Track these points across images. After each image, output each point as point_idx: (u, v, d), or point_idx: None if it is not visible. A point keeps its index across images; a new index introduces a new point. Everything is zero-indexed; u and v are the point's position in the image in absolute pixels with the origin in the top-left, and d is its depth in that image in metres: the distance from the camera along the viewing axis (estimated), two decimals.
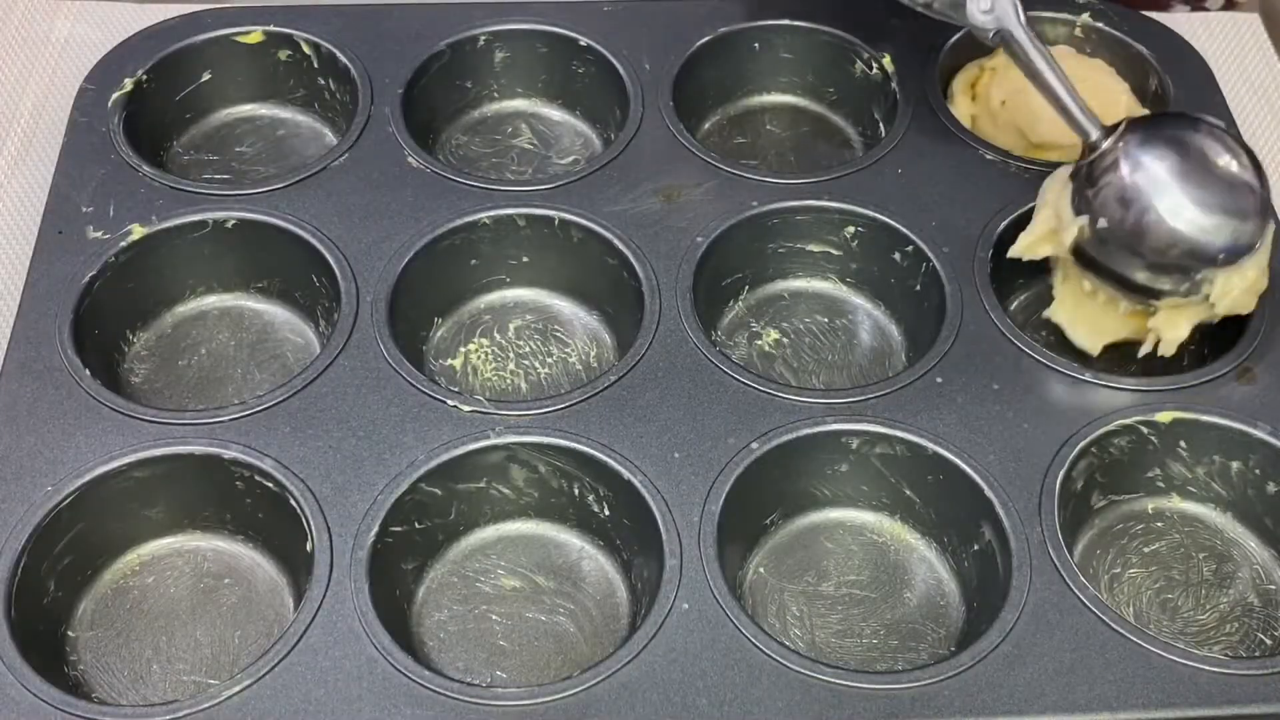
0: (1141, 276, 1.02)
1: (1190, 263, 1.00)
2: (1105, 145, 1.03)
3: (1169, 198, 1.00)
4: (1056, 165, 1.17)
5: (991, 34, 1.08)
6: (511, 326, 1.14)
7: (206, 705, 0.86)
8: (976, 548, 0.98)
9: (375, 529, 0.94)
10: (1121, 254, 1.02)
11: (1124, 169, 1.01)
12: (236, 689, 0.87)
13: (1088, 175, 1.03)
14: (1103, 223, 1.01)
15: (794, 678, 0.88)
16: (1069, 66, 1.21)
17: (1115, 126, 1.04)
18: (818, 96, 1.31)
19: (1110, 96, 1.21)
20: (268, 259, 1.13)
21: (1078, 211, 1.03)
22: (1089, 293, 1.06)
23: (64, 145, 1.16)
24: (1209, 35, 1.36)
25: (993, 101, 1.22)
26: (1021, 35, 1.07)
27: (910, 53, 1.26)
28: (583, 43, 1.26)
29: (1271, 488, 1.01)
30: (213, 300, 1.15)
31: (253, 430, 0.99)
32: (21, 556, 0.92)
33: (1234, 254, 1.00)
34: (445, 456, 0.98)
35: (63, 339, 1.03)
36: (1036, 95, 1.20)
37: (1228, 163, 1.01)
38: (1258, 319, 1.07)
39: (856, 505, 1.04)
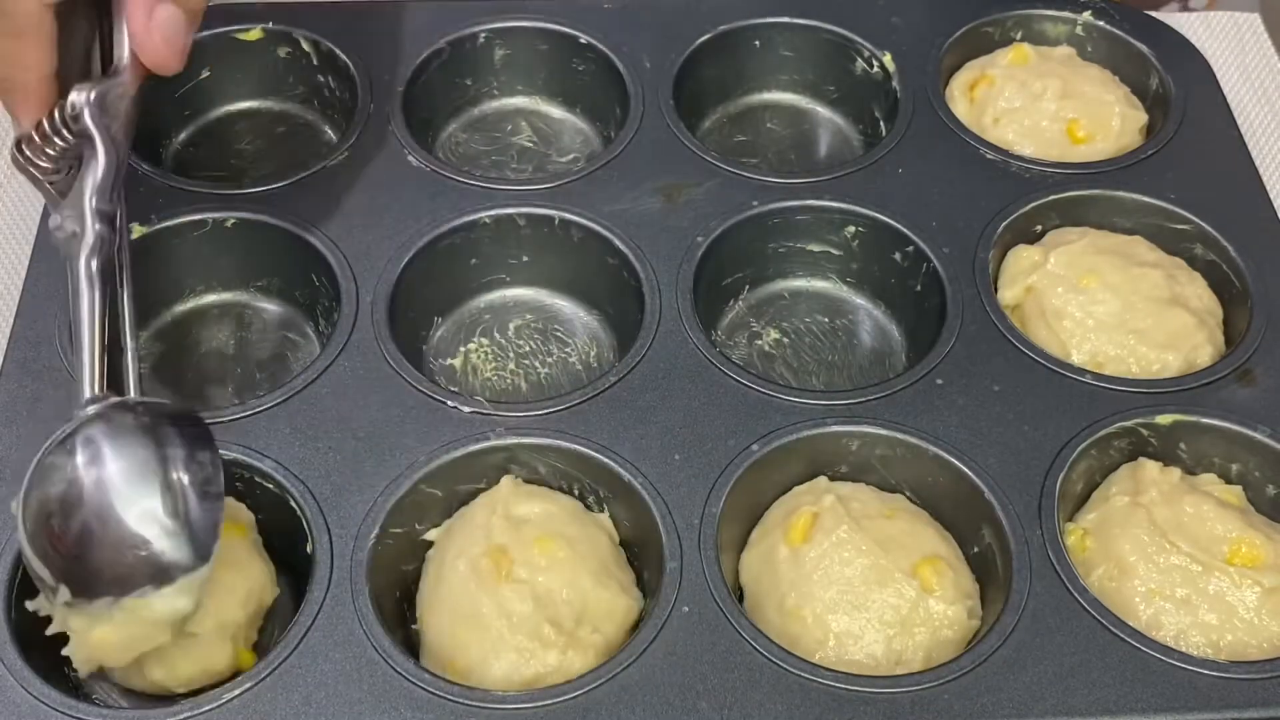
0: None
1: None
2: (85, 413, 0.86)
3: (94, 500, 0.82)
4: (1063, 166, 1.17)
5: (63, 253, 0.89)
6: (511, 326, 1.14)
7: (207, 708, 0.86)
8: (976, 550, 0.98)
9: (375, 530, 0.94)
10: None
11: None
12: (237, 691, 0.87)
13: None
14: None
15: (794, 681, 0.88)
16: (1065, 73, 1.22)
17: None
18: (818, 95, 1.31)
19: (1103, 109, 1.21)
20: (267, 258, 1.13)
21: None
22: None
23: None
24: (1209, 35, 1.36)
25: (985, 117, 1.22)
26: (81, 271, 0.87)
27: (911, 51, 1.26)
28: (583, 40, 1.26)
29: (1270, 490, 1.01)
30: (212, 299, 1.15)
31: (253, 431, 0.99)
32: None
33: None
34: (446, 458, 0.98)
35: (62, 339, 1.03)
36: (1031, 115, 1.19)
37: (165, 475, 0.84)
38: (1258, 321, 1.07)
39: None
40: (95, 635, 0.83)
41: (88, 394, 0.86)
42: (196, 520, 0.84)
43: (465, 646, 0.91)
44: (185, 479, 0.84)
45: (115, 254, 0.90)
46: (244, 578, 0.93)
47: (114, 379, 0.89)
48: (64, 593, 0.81)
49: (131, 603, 0.82)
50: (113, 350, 0.90)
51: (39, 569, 0.83)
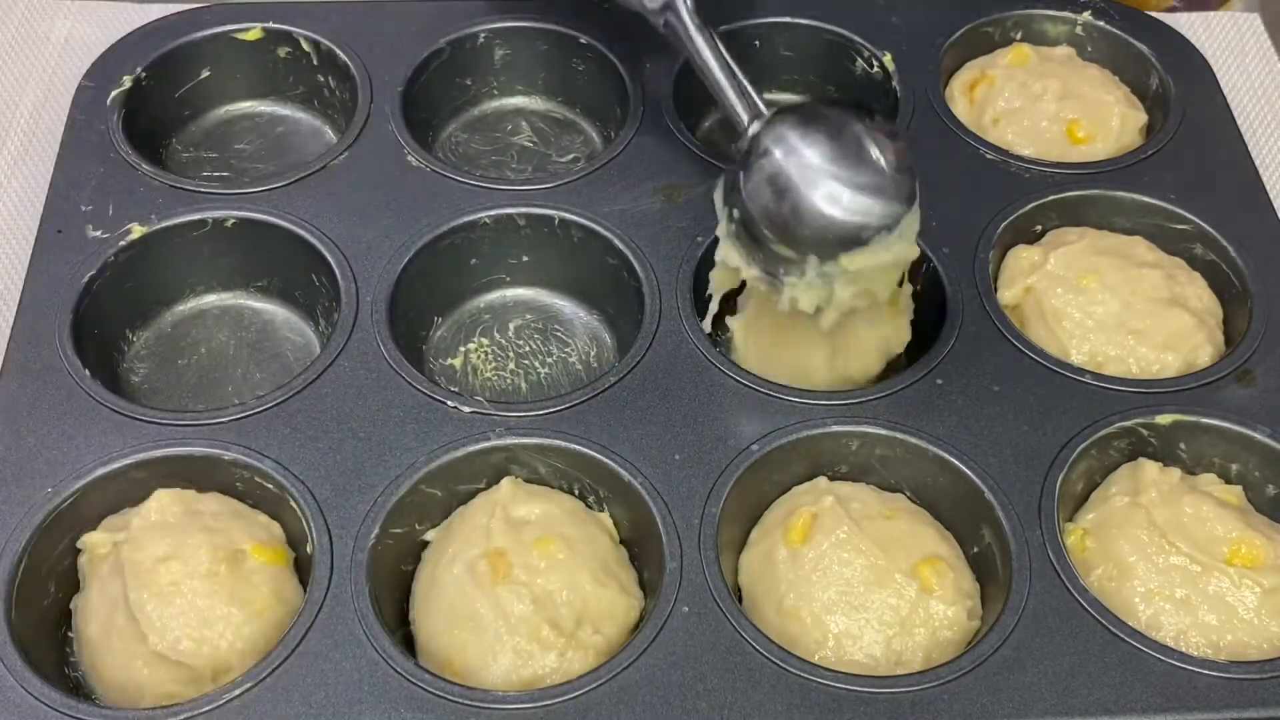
0: (775, 253, 0.98)
1: (821, 242, 0.96)
2: (754, 130, 1.00)
3: (813, 181, 0.96)
4: (1063, 166, 1.17)
5: (661, 18, 1.07)
6: (511, 326, 1.14)
7: (207, 709, 0.86)
8: (976, 550, 0.98)
9: (375, 531, 0.94)
10: (762, 235, 0.98)
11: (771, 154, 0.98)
12: (237, 692, 0.87)
13: (741, 163, 0.99)
14: (751, 208, 0.98)
15: (794, 681, 0.88)
16: (1065, 74, 1.22)
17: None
18: (818, 95, 1.31)
19: (1103, 110, 1.21)
20: (267, 258, 1.13)
21: (727, 202, 1.00)
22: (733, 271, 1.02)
23: (63, 143, 1.16)
24: (1209, 35, 1.36)
25: (984, 118, 1.22)
26: (687, 20, 1.05)
27: (911, 51, 1.26)
28: (583, 40, 1.26)
29: (1270, 490, 1.01)
30: (212, 300, 1.15)
31: (253, 431, 0.99)
32: (22, 558, 0.92)
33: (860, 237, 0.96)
34: (446, 458, 0.98)
35: (62, 339, 1.03)
36: (1031, 115, 1.20)
37: (861, 148, 0.97)
38: (1258, 321, 1.07)
39: None
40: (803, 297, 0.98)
41: (745, 117, 1.01)
42: (889, 174, 0.97)
43: (463, 647, 0.91)
44: (871, 146, 0.97)
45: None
46: (290, 611, 0.93)
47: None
48: (811, 260, 0.96)
49: (833, 266, 0.96)
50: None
51: (774, 244, 0.98)
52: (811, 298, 0.98)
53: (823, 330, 1.01)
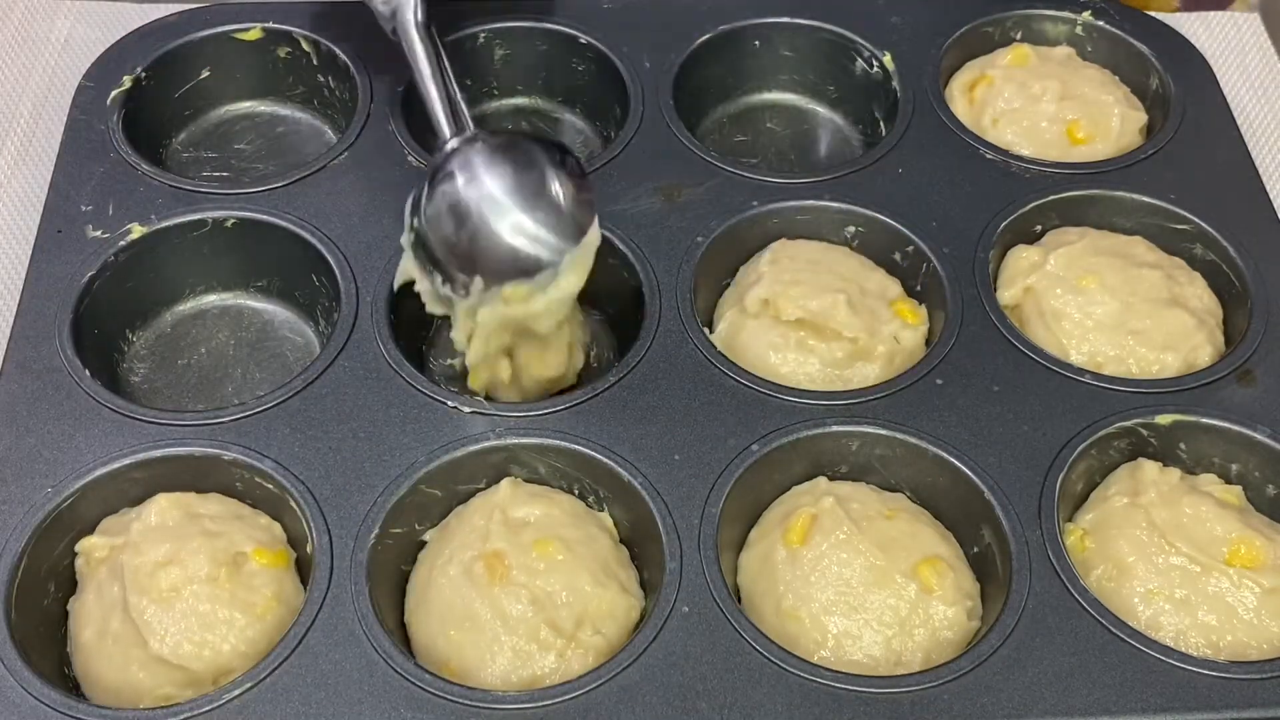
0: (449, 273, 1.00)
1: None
2: (448, 148, 1.02)
3: (490, 210, 0.99)
4: (1063, 166, 1.17)
5: (390, 25, 1.08)
6: None
7: (207, 708, 0.86)
8: (976, 550, 0.98)
9: (376, 531, 0.94)
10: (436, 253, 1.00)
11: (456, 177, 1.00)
12: (237, 692, 0.87)
13: (428, 180, 1.01)
14: (428, 224, 1.00)
15: (794, 681, 0.88)
16: (1065, 74, 1.22)
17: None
18: (818, 95, 1.31)
19: (1103, 110, 1.21)
20: (267, 258, 1.13)
21: (413, 213, 1.01)
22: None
23: (63, 143, 1.16)
24: (1209, 35, 1.36)
25: (984, 118, 1.22)
26: (411, 31, 1.06)
27: (911, 52, 1.26)
28: (583, 40, 1.26)
29: (1270, 490, 1.01)
30: (212, 299, 1.15)
31: (253, 431, 0.99)
32: (22, 558, 0.92)
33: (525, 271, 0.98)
34: (446, 458, 0.98)
35: (62, 339, 1.03)
36: (1030, 116, 1.20)
37: (543, 184, 1.00)
38: (1258, 321, 1.07)
39: None
40: (480, 314, 0.99)
41: (448, 133, 1.03)
42: (567, 214, 0.99)
43: (459, 648, 0.91)
44: (553, 184, 1.00)
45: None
46: (291, 612, 0.93)
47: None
48: (477, 282, 0.98)
49: (508, 290, 0.98)
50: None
51: (446, 265, 0.99)
52: (467, 321, 1.00)
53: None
